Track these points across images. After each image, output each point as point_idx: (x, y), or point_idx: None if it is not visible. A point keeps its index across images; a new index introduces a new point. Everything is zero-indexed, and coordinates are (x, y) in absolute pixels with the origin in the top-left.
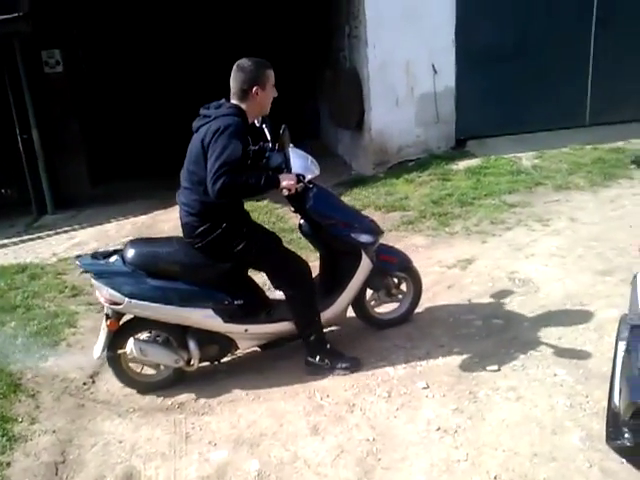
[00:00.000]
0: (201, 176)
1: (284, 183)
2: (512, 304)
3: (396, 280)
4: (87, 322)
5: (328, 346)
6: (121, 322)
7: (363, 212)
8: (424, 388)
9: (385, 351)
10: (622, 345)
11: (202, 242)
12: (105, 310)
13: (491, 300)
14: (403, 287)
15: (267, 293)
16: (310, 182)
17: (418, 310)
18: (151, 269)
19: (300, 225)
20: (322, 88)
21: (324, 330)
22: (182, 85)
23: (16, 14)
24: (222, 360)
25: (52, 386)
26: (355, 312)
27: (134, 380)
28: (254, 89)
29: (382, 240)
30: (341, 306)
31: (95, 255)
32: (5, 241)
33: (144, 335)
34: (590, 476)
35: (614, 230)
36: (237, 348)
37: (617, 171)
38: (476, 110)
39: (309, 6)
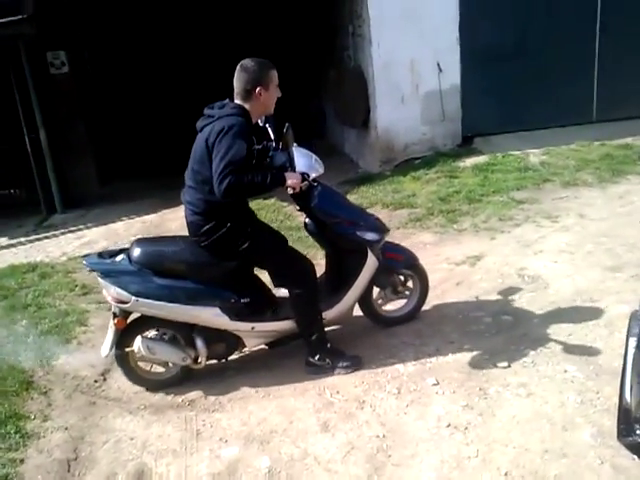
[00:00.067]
0: (205, 175)
1: (289, 182)
2: (521, 301)
3: (402, 278)
4: (97, 320)
5: (329, 345)
6: (128, 321)
7: (370, 210)
8: (434, 385)
9: (394, 348)
10: (633, 341)
11: (207, 240)
12: (112, 309)
13: (500, 297)
14: (410, 285)
15: (273, 291)
16: (315, 180)
17: (427, 307)
18: (157, 268)
19: (305, 224)
20: (327, 87)
21: (325, 329)
22: (187, 85)
23: (20, 16)
24: (229, 358)
25: (64, 384)
26: (362, 310)
27: (142, 378)
28: (257, 89)
29: (389, 238)
30: (347, 304)
31: (101, 254)
32: (15, 241)
33: (151, 333)
34: (601, 473)
35: (623, 226)
36: (244, 346)
37: (625, 167)
38: (482, 107)
39: (313, 5)
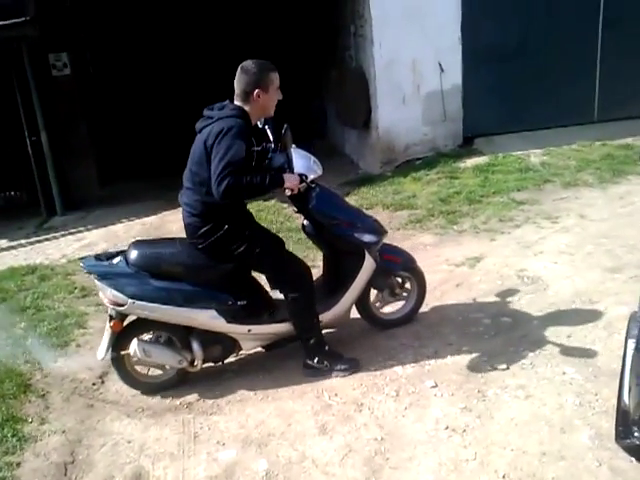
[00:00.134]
0: (203, 177)
1: (287, 183)
2: (521, 302)
3: (400, 280)
4: (96, 323)
5: (327, 348)
6: (125, 323)
7: (370, 211)
8: (432, 387)
9: (393, 350)
10: (632, 343)
11: (204, 243)
12: (109, 311)
13: (500, 298)
14: (407, 287)
15: (270, 294)
16: (313, 182)
17: (426, 309)
18: (154, 270)
19: (303, 225)
20: (328, 87)
21: (323, 332)
22: (188, 86)
23: (23, 18)
24: (226, 361)
25: (62, 386)
26: (359, 312)
27: (138, 381)
28: (256, 92)
29: (389, 239)
30: (344, 306)
31: (99, 256)
32: (15, 243)
33: (148, 336)
34: (599, 475)
35: (623, 227)
36: (240, 349)
37: (626, 167)
38: (483, 108)
39: (314, 5)
